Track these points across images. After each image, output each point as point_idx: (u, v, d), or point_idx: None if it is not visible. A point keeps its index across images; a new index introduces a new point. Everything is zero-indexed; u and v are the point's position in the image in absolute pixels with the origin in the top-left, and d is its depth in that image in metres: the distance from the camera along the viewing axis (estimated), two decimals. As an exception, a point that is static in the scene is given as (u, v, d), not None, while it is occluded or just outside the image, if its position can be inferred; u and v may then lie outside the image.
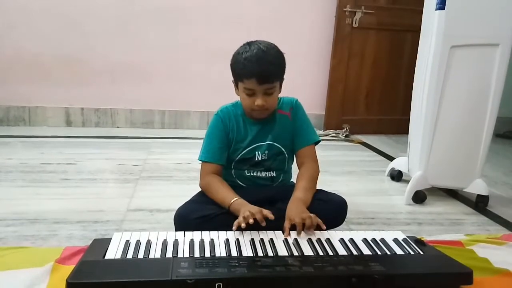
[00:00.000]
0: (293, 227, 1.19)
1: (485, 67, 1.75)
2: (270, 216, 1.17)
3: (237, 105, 1.43)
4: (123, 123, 3.20)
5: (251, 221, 1.13)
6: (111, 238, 1.10)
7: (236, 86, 1.36)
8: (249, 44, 1.31)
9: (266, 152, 1.41)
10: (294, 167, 1.50)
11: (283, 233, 1.17)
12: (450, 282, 1.05)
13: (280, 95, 1.41)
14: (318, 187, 1.41)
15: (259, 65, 1.25)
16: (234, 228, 1.15)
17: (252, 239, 1.12)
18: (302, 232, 1.17)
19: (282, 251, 1.08)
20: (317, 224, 1.19)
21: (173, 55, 3.13)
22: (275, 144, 1.41)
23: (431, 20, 1.77)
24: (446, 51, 1.73)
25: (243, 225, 1.13)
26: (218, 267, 0.95)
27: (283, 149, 1.43)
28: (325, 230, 1.19)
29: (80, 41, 3.00)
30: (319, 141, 1.47)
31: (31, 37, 2.94)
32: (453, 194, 2.01)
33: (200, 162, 1.41)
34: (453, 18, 1.70)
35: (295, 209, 1.23)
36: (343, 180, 2.18)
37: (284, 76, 1.37)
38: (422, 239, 1.23)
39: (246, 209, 1.18)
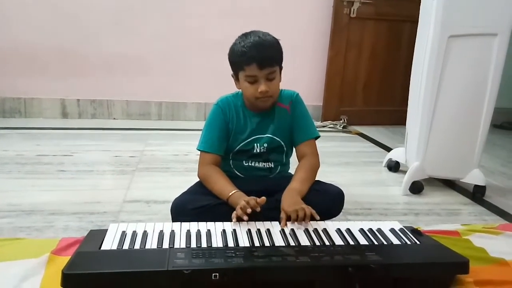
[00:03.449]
0: (290, 218, 1.19)
1: (483, 57, 1.74)
2: (262, 199, 1.18)
3: (237, 96, 1.43)
4: (120, 114, 3.19)
5: (249, 210, 1.14)
6: (107, 229, 1.10)
7: (237, 78, 1.35)
8: (245, 34, 1.33)
9: (265, 145, 1.40)
10: (293, 159, 1.49)
11: (280, 222, 1.17)
12: (447, 271, 1.05)
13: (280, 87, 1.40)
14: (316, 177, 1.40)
15: (258, 50, 1.26)
16: (234, 220, 1.16)
17: (249, 230, 1.12)
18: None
19: (279, 242, 1.08)
20: (311, 215, 1.19)
21: (170, 46, 3.11)
22: (275, 137, 1.41)
23: (429, 10, 1.75)
24: (444, 41, 1.72)
25: (245, 217, 1.14)
26: (215, 258, 0.95)
27: (282, 143, 1.42)
28: (321, 220, 1.19)
29: (76, 33, 2.97)
30: (319, 137, 1.46)
31: (27, 29, 2.91)
32: (450, 184, 2.01)
33: (199, 151, 1.40)
34: (451, 8, 1.69)
35: (289, 199, 1.23)
36: (340, 171, 2.18)
37: (282, 67, 1.36)
38: (419, 229, 1.23)
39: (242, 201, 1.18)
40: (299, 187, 1.30)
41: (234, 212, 1.18)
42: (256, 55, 1.25)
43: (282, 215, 1.19)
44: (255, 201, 1.17)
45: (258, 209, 1.16)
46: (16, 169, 1.95)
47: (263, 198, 1.19)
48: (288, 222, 1.17)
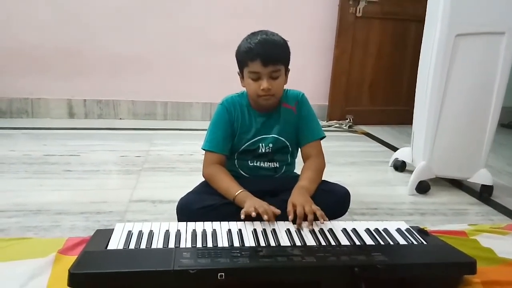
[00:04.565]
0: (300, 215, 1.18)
1: (491, 56, 1.73)
2: (277, 211, 1.18)
3: (242, 96, 1.42)
4: (126, 114, 3.20)
5: (264, 214, 1.14)
6: (113, 229, 1.10)
7: (242, 75, 1.35)
8: (253, 33, 1.33)
9: (271, 145, 1.40)
10: (298, 159, 1.49)
11: (288, 216, 1.17)
12: (454, 272, 1.04)
13: (285, 87, 1.40)
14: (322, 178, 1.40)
15: (263, 47, 1.26)
16: (242, 216, 1.15)
17: (255, 230, 1.12)
18: (305, 222, 1.17)
19: (285, 242, 1.07)
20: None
21: (175, 46, 3.11)
22: (280, 138, 1.41)
23: (436, 8, 1.74)
24: (451, 40, 1.71)
25: (253, 214, 1.13)
26: (220, 257, 0.95)
27: (287, 143, 1.42)
28: (327, 220, 1.18)
29: (81, 33, 2.98)
30: (324, 137, 1.46)
31: (32, 29, 2.92)
32: (457, 184, 1.99)
33: (204, 151, 1.40)
34: (458, 6, 1.68)
35: (299, 196, 1.23)
36: (346, 171, 2.17)
37: (289, 69, 1.36)
38: (425, 229, 1.22)
39: (252, 203, 1.18)
40: (307, 185, 1.30)
41: (244, 209, 1.17)
42: (261, 51, 1.26)
43: (290, 207, 1.19)
44: (272, 213, 1.16)
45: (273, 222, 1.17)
46: (23, 169, 1.96)
47: (278, 211, 1.18)
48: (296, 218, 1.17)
